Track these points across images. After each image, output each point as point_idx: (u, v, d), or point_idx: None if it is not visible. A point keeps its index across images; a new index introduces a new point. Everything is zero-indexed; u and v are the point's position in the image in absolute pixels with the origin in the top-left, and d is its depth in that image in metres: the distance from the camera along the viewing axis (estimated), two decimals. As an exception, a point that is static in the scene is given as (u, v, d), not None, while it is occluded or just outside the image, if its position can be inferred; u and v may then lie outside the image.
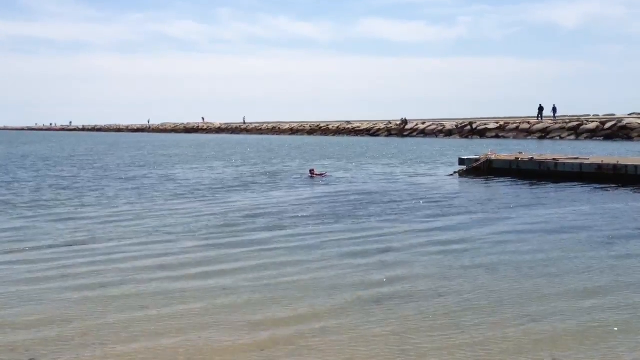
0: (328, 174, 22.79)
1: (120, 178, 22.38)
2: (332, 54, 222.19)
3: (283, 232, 11.31)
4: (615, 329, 6.10)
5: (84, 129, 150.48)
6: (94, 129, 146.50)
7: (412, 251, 9.63)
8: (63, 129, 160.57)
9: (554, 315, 6.51)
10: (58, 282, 8.03)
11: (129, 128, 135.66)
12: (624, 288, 7.49)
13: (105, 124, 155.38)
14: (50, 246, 10.23)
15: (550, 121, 56.80)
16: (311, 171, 22.36)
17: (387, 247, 9.90)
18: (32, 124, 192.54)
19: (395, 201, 15.35)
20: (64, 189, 18.77)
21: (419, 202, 15.04)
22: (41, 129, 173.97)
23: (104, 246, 10.20)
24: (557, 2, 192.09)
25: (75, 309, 6.90)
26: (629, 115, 58.58)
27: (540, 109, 58.87)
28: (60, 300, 7.22)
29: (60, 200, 15.92)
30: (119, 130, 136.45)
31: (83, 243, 10.47)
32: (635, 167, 18.28)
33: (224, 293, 7.47)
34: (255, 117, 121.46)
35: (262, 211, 13.85)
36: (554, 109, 59.82)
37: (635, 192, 16.46)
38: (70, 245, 10.28)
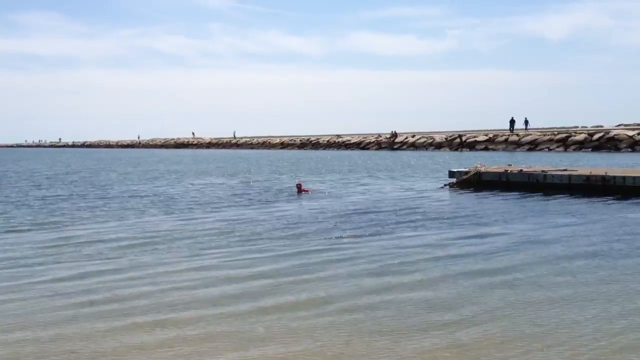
0: (315, 188, 22.59)
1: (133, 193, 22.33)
2: (323, 67, 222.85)
3: (261, 252, 11.29)
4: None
5: (73, 146, 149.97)
6: (84, 145, 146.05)
7: (402, 263, 9.63)
8: (52, 146, 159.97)
9: (539, 323, 6.54)
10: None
11: (119, 144, 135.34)
12: (614, 298, 7.53)
13: (95, 140, 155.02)
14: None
15: (522, 133, 58.07)
16: (298, 186, 21.89)
17: (377, 262, 9.90)
18: (21, 141, 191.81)
19: (385, 213, 15.36)
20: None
21: (408, 215, 15.06)
22: (30, 146, 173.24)
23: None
24: (544, 15, 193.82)
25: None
26: (616, 126, 59.09)
27: (512, 121, 60.48)
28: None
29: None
30: (108, 146, 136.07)
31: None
32: (624, 178, 18.42)
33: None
34: (245, 131, 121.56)
35: (241, 227, 13.83)
36: (526, 122, 61.56)
37: (623, 203, 16.58)
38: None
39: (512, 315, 6.96)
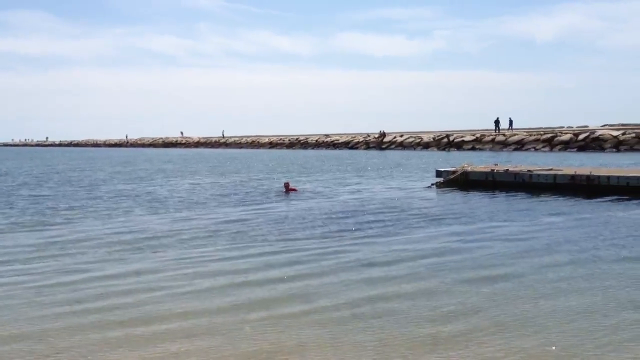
0: (304, 187, 22.63)
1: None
2: (312, 67, 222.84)
3: (250, 250, 11.34)
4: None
5: (60, 145, 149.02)
6: (71, 144, 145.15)
7: (386, 262, 9.72)
8: (39, 145, 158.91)
9: (525, 323, 6.64)
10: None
11: (107, 143, 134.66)
12: (597, 293, 7.66)
13: (83, 139, 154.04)
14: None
15: (508, 133, 59.18)
16: (286, 185, 21.90)
17: (365, 259, 9.98)
18: (8, 140, 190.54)
19: (373, 213, 15.46)
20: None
21: (396, 214, 15.17)
22: (17, 145, 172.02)
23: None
24: (533, 16, 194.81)
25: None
26: (601, 126, 59.59)
27: (497, 122, 61.26)
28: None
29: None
30: (96, 145, 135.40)
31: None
32: (608, 177, 18.63)
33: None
34: (234, 131, 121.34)
35: (227, 227, 13.87)
36: (510, 122, 62.57)
37: (608, 202, 16.77)
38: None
39: (496, 311, 7.06)
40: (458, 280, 8.53)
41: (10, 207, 17.96)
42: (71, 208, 17.66)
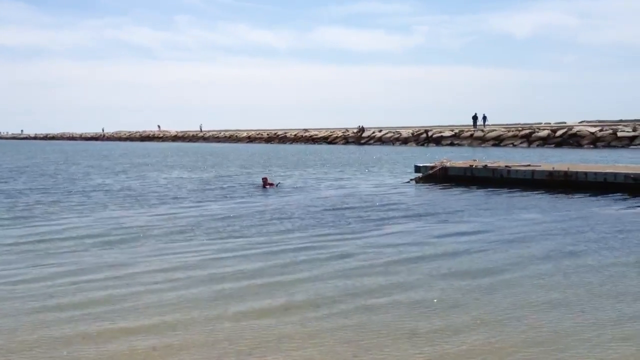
0: (282, 183, 22.45)
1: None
2: (292, 61, 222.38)
3: (227, 244, 11.23)
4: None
5: (35, 138, 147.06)
6: (47, 137, 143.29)
7: (364, 258, 9.66)
8: (14, 138, 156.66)
9: (507, 320, 6.61)
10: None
11: (83, 136, 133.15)
12: (574, 288, 7.66)
13: (58, 132, 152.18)
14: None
15: (486, 129, 60.03)
16: (264, 180, 21.70)
17: (342, 254, 9.91)
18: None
19: (351, 208, 15.40)
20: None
21: (374, 210, 15.12)
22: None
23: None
24: (511, 12, 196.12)
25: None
26: (579, 123, 60.19)
27: (475, 117, 61.90)
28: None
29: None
30: (72, 138, 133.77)
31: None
32: (585, 173, 18.76)
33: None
34: (212, 125, 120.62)
35: (203, 222, 13.73)
36: (484, 118, 63.27)
37: (585, 197, 16.88)
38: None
39: (470, 306, 7.02)
40: (436, 276, 8.50)
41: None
42: (51, 203, 17.37)
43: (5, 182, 24.56)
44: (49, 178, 26.48)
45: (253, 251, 10.30)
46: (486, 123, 63.24)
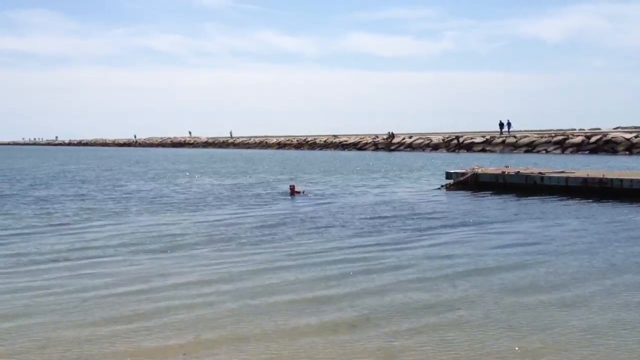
0: (310, 190, 22.17)
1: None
2: (318, 68, 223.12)
3: (264, 249, 11.19)
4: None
5: (70, 144, 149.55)
6: (80, 144, 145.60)
7: (398, 266, 9.54)
8: (49, 144, 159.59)
9: (536, 326, 6.45)
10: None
11: (116, 142, 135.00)
12: (613, 294, 7.45)
13: (91, 138, 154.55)
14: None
15: (506, 134, 60.45)
16: (291, 187, 21.37)
17: (372, 261, 9.80)
18: (18, 139, 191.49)
19: (385, 217, 15.23)
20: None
21: (406, 217, 14.96)
22: (27, 144, 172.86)
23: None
24: (540, 17, 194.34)
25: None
26: (614, 129, 59.09)
27: (501, 124, 61.83)
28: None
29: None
30: (105, 144, 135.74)
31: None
32: (621, 180, 18.36)
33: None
34: (242, 131, 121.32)
35: (227, 230, 13.71)
36: (509, 124, 63.11)
37: (620, 205, 16.50)
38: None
39: (508, 316, 6.87)
40: (469, 284, 8.34)
41: (25, 205, 17.92)
42: (89, 210, 17.59)
43: (46, 187, 24.95)
44: (88, 184, 26.83)
45: (295, 262, 10.01)
46: (510, 129, 62.79)
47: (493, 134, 62.23)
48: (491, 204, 17.66)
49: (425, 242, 11.61)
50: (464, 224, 13.76)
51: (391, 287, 8.25)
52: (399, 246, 11.22)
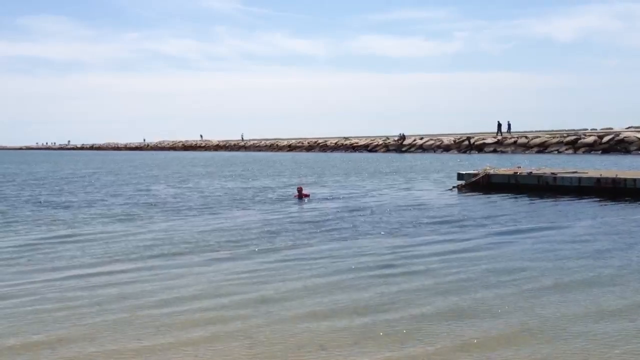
0: (320, 192, 21.93)
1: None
2: (330, 70, 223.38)
3: (276, 252, 11.22)
4: (617, 351, 5.99)
5: (82, 148, 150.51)
6: (92, 148, 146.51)
7: (411, 266, 9.53)
8: (61, 148, 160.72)
9: (553, 329, 6.43)
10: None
11: (127, 146, 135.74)
12: (627, 296, 7.42)
13: (103, 142, 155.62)
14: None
15: (508, 136, 60.69)
16: (299, 190, 20.82)
17: (386, 264, 9.80)
18: (31, 143, 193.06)
19: (393, 217, 15.21)
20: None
21: (417, 219, 14.92)
22: (40, 148, 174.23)
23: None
24: (552, 17, 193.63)
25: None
26: (626, 128, 58.73)
27: (499, 125, 61.82)
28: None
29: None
30: (116, 148, 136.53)
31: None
32: (634, 180, 18.25)
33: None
34: (253, 133, 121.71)
35: (230, 233, 13.75)
36: (509, 125, 62.87)
37: (635, 205, 16.40)
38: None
39: (521, 316, 6.85)
40: (482, 285, 8.32)
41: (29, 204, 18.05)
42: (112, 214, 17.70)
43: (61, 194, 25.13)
44: (106, 187, 27.00)
45: (314, 264, 10.11)
46: (510, 130, 62.60)
47: (505, 135, 62.01)
48: (502, 205, 17.59)
49: (439, 245, 11.56)
50: (479, 226, 13.68)
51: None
52: (422, 248, 11.15)
